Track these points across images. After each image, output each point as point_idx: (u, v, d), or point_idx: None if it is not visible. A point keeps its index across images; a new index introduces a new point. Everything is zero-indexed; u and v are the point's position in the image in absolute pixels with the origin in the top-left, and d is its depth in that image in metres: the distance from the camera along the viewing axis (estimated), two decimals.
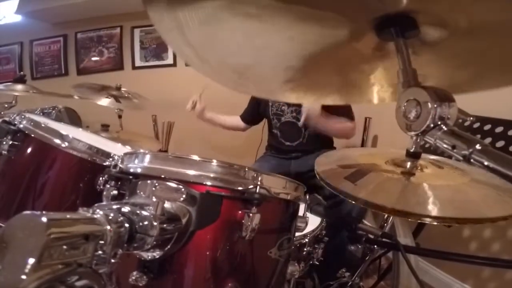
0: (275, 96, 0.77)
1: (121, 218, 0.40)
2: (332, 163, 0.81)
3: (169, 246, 0.50)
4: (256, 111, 1.81)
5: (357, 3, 0.42)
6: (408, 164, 0.72)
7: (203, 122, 1.90)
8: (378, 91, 0.62)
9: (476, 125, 1.13)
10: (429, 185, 0.65)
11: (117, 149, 1.06)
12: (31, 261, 0.28)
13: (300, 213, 0.70)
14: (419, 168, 0.73)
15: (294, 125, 1.64)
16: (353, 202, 0.58)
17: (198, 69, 0.59)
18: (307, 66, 0.58)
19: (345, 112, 1.60)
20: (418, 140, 0.55)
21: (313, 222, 0.96)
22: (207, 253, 0.54)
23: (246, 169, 0.57)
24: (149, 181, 0.47)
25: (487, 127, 1.11)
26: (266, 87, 0.66)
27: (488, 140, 1.07)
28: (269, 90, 0.68)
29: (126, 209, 0.43)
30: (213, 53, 0.56)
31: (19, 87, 1.73)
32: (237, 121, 1.91)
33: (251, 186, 0.55)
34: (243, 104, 1.88)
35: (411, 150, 0.67)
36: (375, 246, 1.06)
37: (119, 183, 0.62)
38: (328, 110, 1.58)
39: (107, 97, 1.91)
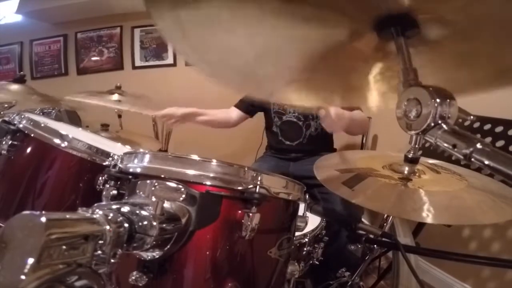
0: (276, 97, 0.76)
1: (121, 218, 0.40)
2: (330, 167, 0.81)
3: (168, 246, 0.50)
4: (255, 103, 1.72)
5: (357, 2, 0.42)
6: (406, 170, 0.72)
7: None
8: (379, 95, 0.62)
9: (476, 124, 1.13)
10: (425, 191, 0.65)
11: (116, 149, 1.06)
12: (31, 261, 0.28)
13: (300, 212, 0.70)
14: (416, 173, 0.73)
15: (295, 124, 1.63)
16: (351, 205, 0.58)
17: (199, 70, 0.59)
18: (308, 67, 0.57)
19: (355, 107, 1.43)
20: (419, 139, 0.55)
21: (313, 221, 0.96)
22: (207, 253, 0.54)
23: (246, 169, 0.57)
24: (148, 181, 0.47)
25: (487, 126, 1.11)
26: (267, 88, 0.66)
27: (488, 139, 1.08)
28: (270, 92, 0.68)
29: (125, 209, 0.43)
30: (214, 53, 0.56)
31: (16, 87, 1.72)
32: (226, 113, 1.77)
33: (251, 186, 0.55)
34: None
35: (409, 156, 0.67)
36: (375, 245, 1.05)
37: (119, 182, 0.62)
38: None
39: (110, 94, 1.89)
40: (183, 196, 0.48)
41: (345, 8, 0.43)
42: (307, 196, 0.71)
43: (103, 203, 0.44)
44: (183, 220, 0.50)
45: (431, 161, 0.86)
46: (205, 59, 0.57)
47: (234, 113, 1.77)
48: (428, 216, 0.59)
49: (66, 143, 0.84)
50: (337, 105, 0.67)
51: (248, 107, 1.76)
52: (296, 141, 1.64)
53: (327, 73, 0.60)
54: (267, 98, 0.74)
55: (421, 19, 0.43)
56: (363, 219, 1.74)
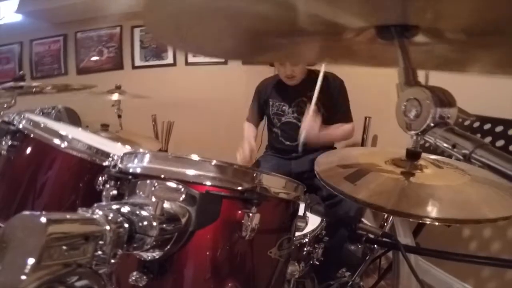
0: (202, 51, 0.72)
1: (121, 218, 0.40)
2: (332, 163, 0.81)
3: (168, 246, 0.50)
4: (260, 108, 1.78)
5: (358, 13, 0.42)
6: (408, 164, 0.72)
7: (204, 122, 1.87)
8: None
9: (476, 124, 1.13)
10: (429, 186, 0.65)
11: (116, 149, 1.06)
12: (31, 261, 0.28)
13: (300, 213, 0.70)
14: (419, 168, 0.73)
15: (294, 125, 1.64)
16: (353, 202, 0.57)
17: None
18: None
19: (343, 115, 1.63)
20: (419, 139, 0.55)
21: (313, 222, 0.96)
22: (207, 253, 0.54)
23: (246, 169, 0.57)
24: (148, 181, 0.47)
25: (487, 126, 1.11)
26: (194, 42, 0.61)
27: (488, 139, 1.08)
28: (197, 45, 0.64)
29: (125, 209, 0.43)
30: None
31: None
32: (253, 128, 1.80)
33: (251, 186, 0.55)
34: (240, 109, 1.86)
35: (411, 150, 0.66)
36: (375, 245, 1.05)
37: (119, 183, 0.62)
38: (327, 113, 1.59)
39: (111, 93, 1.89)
40: (183, 196, 0.48)
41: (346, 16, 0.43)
42: (307, 196, 0.71)
43: (103, 203, 0.44)
44: (183, 220, 0.50)
45: (433, 156, 0.86)
46: (178, 32, 0.53)
47: (254, 128, 1.80)
48: (433, 210, 0.58)
49: (66, 144, 0.84)
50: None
51: (257, 117, 1.80)
52: (296, 142, 1.65)
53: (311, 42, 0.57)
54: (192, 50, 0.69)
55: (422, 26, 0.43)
56: (363, 219, 1.74)
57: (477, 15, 0.37)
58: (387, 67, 0.54)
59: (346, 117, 1.64)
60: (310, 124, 1.47)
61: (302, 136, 1.47)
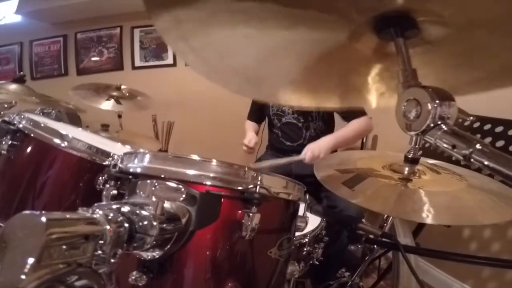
0: (275, 98, 0.76)
1: (121, 218, 0.40)
2: (331, 167, 0.81)
3: (169, 246, 0.50)
4: (260, 109, 1.79)
5: (355, 4, 0.42)
6: (406, 170, 0.72)
7: (204, 122, 1.88)
8: (378, 95, 0.62)
9: (476, 124, 1.13)
10: (425, 192, 0.65)
11: (116, 149, 1.06)
12: (31, 261, 0.28)
13: (300, 213, 0.70)
14: (416, 173, 0.73)
15: (295, 125, 1.64)
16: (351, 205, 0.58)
17: (198, 71, 0.59)
18: (306, 68, 0.57)
19: (353, 112, 1.54)
20: (418, 140, 0.55)
21: (313, 222, 0.96)
22: (207, 253, 0.54)
23: (246, 169, 0.57)
24: (148, 181, 0.47)
25: (487, 126, 1.11)
26: (266, 90, 0.66)
27: (488, 139, 1.08)
28: (270, 93, 0.68)
29: (125, 209, 0.43)
30: (213, 54, 0.56)
31: (16, 87, 1.73)
32: (255, 124, 1.83)
33: (251, 186, 0.55)
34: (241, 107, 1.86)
35: (409, 156, 0.67)
36: (375, 246, 1.06)
37: (119, 182, 0.62)
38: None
39: (108, 99, 1.90)
40: (183, 196, 0.48)
41: (344, 10, 0.43)
42: (308, 196, 0.71)
43: (103, 203, 0.44)
44: (183, 220, 0.50)
45: (431, 161, 0.86)
46: (203, 59, 0.57)
47: (255, 124, 1.83)
48: (428, 216, 0.59)
49: (66, 143, 0.84)
50: (335, 106, 0.67)
51: (257, 115, 1.81)
52: (296, 142, 1.65)
53: (326, 74, 0.60)
54: (266, 99, 0.74)
55: (420, 19, 0.43)
56: (363, 220, 1.74)
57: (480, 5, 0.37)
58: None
59: (358, 112, 1.55)
60: (312, 147, 1.39)
61: (305, 156, 1.38)
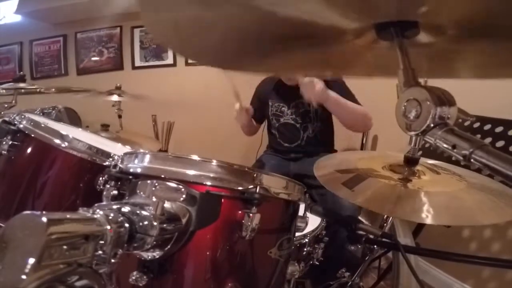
0: (251, 69, 0.74)
1: (121, 218, 0.40)
2: (331, 168, 0.81)
3: (169, 246, 0.50)
4: (259, 109, 1.76)
5: (356, 9, 0.42)
6: (406, 170, 0.73)
7: (204, 122, 1.86)
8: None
9: (476, 125, 1.13)
10: (425, 192, 0.65)
11: (117, 149, 1.06)
12: (31, 261, 0.28)
13: (300, 213, 0.70)
14: (416, 174, 0.73)
15: (292, 126, 1.64)
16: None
17: (171, 47, 0.56)
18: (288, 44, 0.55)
19: (350, 99, 1.50)
20: (418, 140, 0.55)
21: (313, 222, 0.96)
22: (207, 253, 0.54)
23: (246, 169, 0.57)
24: (149, 181, 0.47)
25: (487, 127, 1.11)
26: (240, 61, 0.63)
27: (488, 140, 1.07)
28: (243, 64, 0.65)
29: (126, 209, 0.43)
30: (187, 29, 0.53)
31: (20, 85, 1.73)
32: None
33: (251, 186, 0.55)
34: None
35: (409, 157, 0.67)
36: (375, 246, 1.05)
37: (119, 183, 0.62)
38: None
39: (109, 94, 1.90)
40: (184, 196, 0.48)
41: (344, 12, 0.43)
42: (307, 196, 0.71)
43: (104, 203, 0.44)
44: (184, 220, 0.50)
45: (430, 161, 0.86)
46: (177, 36, 0.55)
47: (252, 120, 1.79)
48: (427, 217, 0.59)
49: (66, 143, 0.84)
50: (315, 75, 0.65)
51: (257, 115, 1.77)
52: (294, 143, 1.65)
53: (307, 48, 0.58)
54: (241, 69, 0.71)
55: (422, 22, 0.43)
56: (363, 220, 1.74)
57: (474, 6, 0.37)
58: (389, 77, 0.54)
59: (356, 102, 1.52)
60: (309, 89, 1.36)
61: (302, 87, 1.38)
